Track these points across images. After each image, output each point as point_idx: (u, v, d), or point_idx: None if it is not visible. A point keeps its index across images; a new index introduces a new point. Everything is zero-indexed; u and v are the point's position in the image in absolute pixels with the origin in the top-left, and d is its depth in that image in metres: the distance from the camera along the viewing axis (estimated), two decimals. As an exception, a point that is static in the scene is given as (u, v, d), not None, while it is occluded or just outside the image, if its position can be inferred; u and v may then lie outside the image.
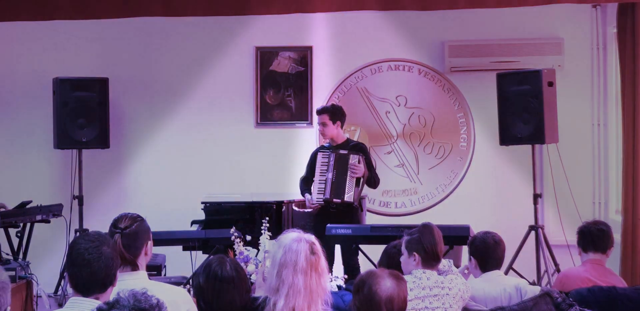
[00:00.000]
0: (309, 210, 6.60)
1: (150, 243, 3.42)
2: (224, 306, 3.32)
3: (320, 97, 7.72)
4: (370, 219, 7.15)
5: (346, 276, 5.39)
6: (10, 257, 6.12)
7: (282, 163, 7.63)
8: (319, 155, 6.53)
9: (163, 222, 5.26)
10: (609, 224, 4.97)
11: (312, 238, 3.42)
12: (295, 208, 6.67)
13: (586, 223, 4.91)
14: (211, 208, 6.59)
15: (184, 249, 5.79)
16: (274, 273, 3.33)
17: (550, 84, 6.81)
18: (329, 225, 5.89)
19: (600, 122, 7.56)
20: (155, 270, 6.42)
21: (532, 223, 6.92)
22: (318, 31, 7.69)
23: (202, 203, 6.60)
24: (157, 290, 2.78)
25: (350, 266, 6.21)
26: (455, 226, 5.70)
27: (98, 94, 7.29)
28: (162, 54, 7.72)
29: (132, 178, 7.73)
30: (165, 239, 5.55)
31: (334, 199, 6.36)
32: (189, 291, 3.80)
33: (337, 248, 6.33)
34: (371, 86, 7.75)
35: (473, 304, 4.24)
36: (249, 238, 6.10)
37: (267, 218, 5.61)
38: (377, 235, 5.76)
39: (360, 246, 5.95)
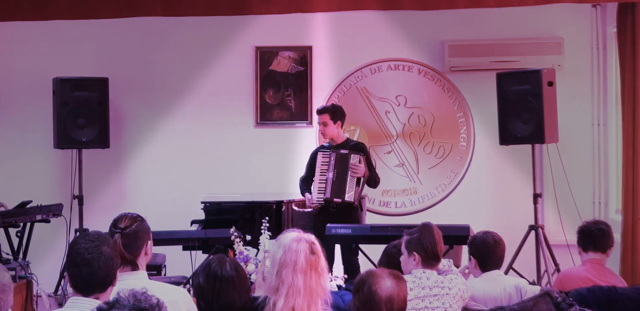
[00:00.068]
0: (309, 210, 6.60)
1: (150, 242, 3.43)
2: (224, 305, 3.32)
3: (320, 97, 7.72)
4: (370, 219, 7.15)
5: (346, 276, 5.39)
6: (10, 257, 6.11)
7: (281, 162, 7.63)
8: (319, 155, 6.53)
9: (163, 222, 5.25)
10: (609, 224, 4.97)
11: (311, 237, 3.42)
12: (295, 208, 6.67)
13: (586, 223, 4.91)
14: (211, 208, 6.59)
15: (184, 249, 5.79)
16: (273, 272, 3.33)
17: (550, 83, 6.81)
18: (328, 225, 5.89)
19: (600, 122, 7.56)
20: (155, 269, 6.42)
21: (532, 222, 6.92)
22: (318, 31, 7.69)
23: (202, 202, 6.60)
24: (157, 289, 2.78)
25: (350, 266, 6.21)
26: (455, 225, 5.69)
27: (98, 94, 7.29)
28: (162, 54, 7.72)
29: (132, 177, 7.73)
30: (165, 239, 5.54)
31: (335, 199, 6.36)
32: (188, 291, 3.80)
33: (337, 248, 6.34)
34: (371, 86, 7.75)
35: (473, 304, 4.24)
36: (248, 237, 6.09)
37: (267, 218, 5.61)
38: (377, 235, 5.76)
39: (360, 245, 5.95)
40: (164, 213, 6.73)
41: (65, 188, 7.39)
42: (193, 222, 6.59)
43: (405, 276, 3.55)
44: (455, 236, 5.51)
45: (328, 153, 6.48)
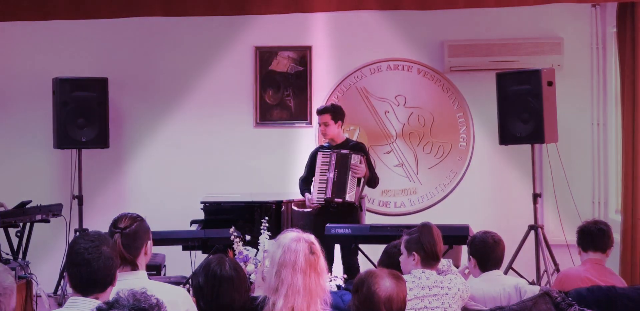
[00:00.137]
0: (309, 210, 6.60)
1: (150, 242, 3.43)
2: (224, 305, 3.32)
3: (319, 97, 7.73)
4: (369, 219, 7.15)
5: (345, 276, 5.40)
6: (10, 257, 6.12)
7: (281, 162, 7.63)
8: (319, 155, 6.53)
9: (163, 222, 5.25)
10: (608, 224, 4.97)
11: (311, 237, 3.42)
12: (295, 208, 6.67)
13: (586, 223, 4.91)
14: (211, 208, 6.59)
15: (184, 249, 5.79)
16: (273, 272, 3.33)
17: (550, 83, 6.81)
18: (328, 225, 5.89)
19: (600, 122, 7.56)
20: (155, 269, 6.42)
21: (532, 222, 6.92)
22: (317, 31, 7.69)
23: (202, 202, 6.60)
24: (157, 289, 2.79)
25: (350, 266, 6.21)
26: (455, 225, 5.69)
27: (98, 94, 7.29)
28: (161, 54, 7.72)
29: (131, 177, 7.73)
30: (165, 239, 5.54)
31: (336, 199, 6.37)
32: (188, 290, 3.80)
33: (337, 248, 6.34)
34: (370, 86, 7.75)
35: (472, 304, 4.24)
36: (248, 237, 6.09)
37: (267, 218, 5.62)
38: (376, 235, 5.75)
39: (360, 245, 5.95)
40: (164, 213, 6.74)
41: (65, 188, 7.39)
42: (193, 222, 6.59)
43: (405, 276, 3.55)
44: (455, 236, 5.51)
45: (328, 153, 6.48)
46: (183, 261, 5.78)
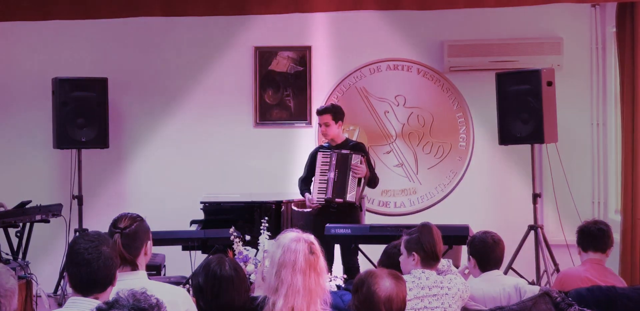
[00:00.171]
0: (308, 210, 6.60)
1: (149, 242, 3.43)
2: (223, 305, 3.32)
3: (319, 97, 7.73)
4: (369, 219, 7.15)
5: (345, 276, 5.40)
6: (10, 257, 6.12)
7: (281, 162, 7.63)
8: (319, 155, 6.53)
9: (162, 222, 5.25)
10: (608, 224, 4.97)
11: (311, 237, 3.42)
12: (295, 208, 6.67)
13: (586, 223, 4.91)
14: (210, 208, 6.59)
15: (184, 249, 5.79)
16: (272, 272, 3.33)
17: (550, 83, 6.81)
18: (328, 225, 5.89)
19: (600, 122, 7.57)
20: (155, 269, 6.42)
21: (532, 222, 6.92)
22: (317, 31, 7.69)
23: (202, 202, 6.61)
24: (157, 289, 2.79)
25: (350, 266, 6.21)
26: (455, 225, 5.70)
27: (97, 94, 7.29)
28: (161, 54, 7.72)
29: (131, 177, 7.73)
30: (165, 239, 5.54)
31: (336, 199, 6.37)
32: (188, 291, 3.80)
33: (337, 248, 6.34)
34: (370, 86, 7.75)
35: (472, 304, 4.24)
36: (248, 237, 6.10)
37: (267, 218, 5.62)
38: (376, 235, 5.75)
39: (360, 245, 5.95)
40: (164, 213, 6.75)
41: (65, 188, 7.39)
42: (192, 222, 6.59)
43: (405, 276, 3.55)
44: (455, 236, 5.51)
45: (329, 153, 6.48)
46: (183, 261, 5.78)
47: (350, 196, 6.36)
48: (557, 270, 6.63)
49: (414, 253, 4.06)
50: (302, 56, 7.74)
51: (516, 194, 7.48)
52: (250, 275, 4.77)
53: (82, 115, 7.23)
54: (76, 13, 6.44)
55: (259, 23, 7.58)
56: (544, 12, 7.42)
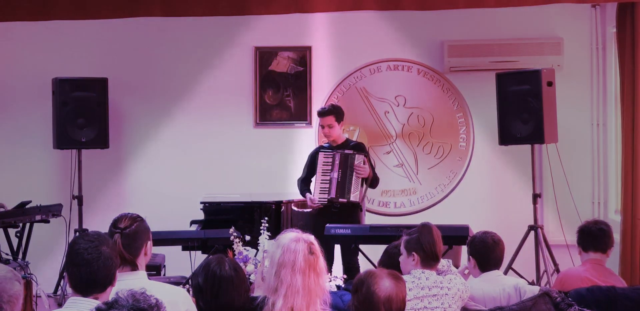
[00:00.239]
0: (308, 210, 6.60)
1: (149, 243, 3.43)
2: (223, 306, 3.32)
3: (319, 97, 7.73)
4: (369, 219, 7.15)
5: (345, 276, 5.40)
6: (10, 257, 6.12)
7: (281, 162, 7.63)
8: (321, 155, 6.53)
9: (163, 222, 5.25)
10: (609, 224, 4.97)
11: (310, 238, 3.42)
12: (295, 208, 6.67)
13: (586, 223, 4.91)
14: (210, 208, 6.59)
15: (184, 249, 5.79)
16: (272, 272, 3.33)
17: (550, 83, 6.81)
18: (328, 225, 5.89)
19: (600, 122, 7.57)
20: (155, 269, 6.42)
21: (532, 222, 6.92)
22: (317, 31, 7.69)
23: (202, 202, 6.61)
24: (157, 289, 2.79)
25: (350, 266, 6.21)
26: (455, 226, 5.70)
27: (97, 94, 7.29)
28: (161, 54, 7.72)
29: (131, 177, 7.73)
30: (165, 239, 5.54)
31: (340, 199, 6.37)
32: (188, 291, 3.81)
33: (337, 248, 6.34)
34: (370, 86, 7.75)
35: (472, 304, 4.24)
36: (248, 238, 6.09)
37: (266, 218, 5.63)
38: (376, 235, 5.76)
39: (360, 246, 5.95)
40: (164, 213, 6.73)
41: (65, 188, 7.39)
42: (192, 222, 6.59)
43: (405, 277, 3.55)
44: (455, 236, 5.52)
45: (331, 153, 6.48)
46: (183, 262, 5.78)
47: (354, 196, 6.36)
48: (557, 270, 6.63)
49: (413, 253, 4.06)
50: (302, 56, 7.74)
51: (516, 194, 7.48)
52: (250, 275, 4.77)
53: (82, 115, 7.23)
54: (76, 13, 6.44)
55: (259, 23, 7.58)
56: (544, 12, 7.42)
